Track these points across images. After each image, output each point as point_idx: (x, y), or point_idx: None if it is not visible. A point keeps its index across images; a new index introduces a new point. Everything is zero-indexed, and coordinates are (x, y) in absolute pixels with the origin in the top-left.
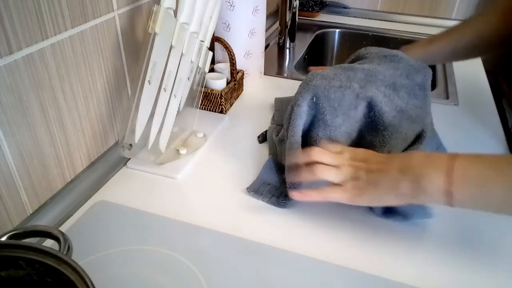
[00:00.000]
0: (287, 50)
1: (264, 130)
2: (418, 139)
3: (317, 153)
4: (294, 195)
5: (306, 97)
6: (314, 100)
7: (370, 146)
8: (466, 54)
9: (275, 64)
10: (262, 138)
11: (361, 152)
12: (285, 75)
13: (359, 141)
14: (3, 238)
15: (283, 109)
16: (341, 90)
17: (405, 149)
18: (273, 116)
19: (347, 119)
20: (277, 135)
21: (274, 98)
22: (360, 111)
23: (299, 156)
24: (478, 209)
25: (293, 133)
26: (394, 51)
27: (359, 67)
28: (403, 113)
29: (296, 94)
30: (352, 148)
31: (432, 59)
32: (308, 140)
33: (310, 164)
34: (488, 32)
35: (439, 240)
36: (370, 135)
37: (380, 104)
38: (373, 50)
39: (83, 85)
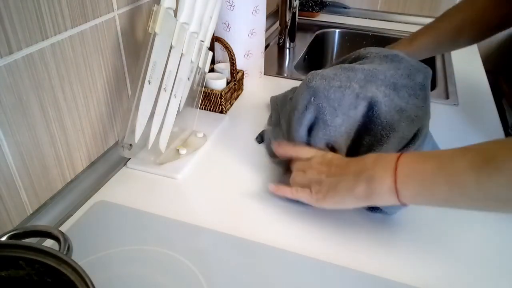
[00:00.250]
0: (287, 50)
1: (262, 130)
2: (413, 138)
3: (292, 162)
4: (270, 187)
5: (307, 98)
6: (314, 100)
7: (368, 146)
8: (450, 46)
9: (275, 64)
10: (261, 138)
11: (328, 156)
12: (285, 75)
13: (358, 141)
14: (3, 238)
15: (279, 107)
16: (341, 90)
17: (402, 149)
18: (270, 116)
19: (347, 119)
20: (275, 137)
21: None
22: (359, 111)
23: (287, 150)
24: (426, 205)
25: (298, 137)
26: (394, 51)
27: (359, 67)
28: (402, 113)
29: (296, 95)
30: (322, 153)
31: (417, 56)
32: (309, 141)
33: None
34: (471, 20)
35: (439, 240)
36: (368, 134)
37: (379, 104)
38: (373, 50)
39: (83, 85)
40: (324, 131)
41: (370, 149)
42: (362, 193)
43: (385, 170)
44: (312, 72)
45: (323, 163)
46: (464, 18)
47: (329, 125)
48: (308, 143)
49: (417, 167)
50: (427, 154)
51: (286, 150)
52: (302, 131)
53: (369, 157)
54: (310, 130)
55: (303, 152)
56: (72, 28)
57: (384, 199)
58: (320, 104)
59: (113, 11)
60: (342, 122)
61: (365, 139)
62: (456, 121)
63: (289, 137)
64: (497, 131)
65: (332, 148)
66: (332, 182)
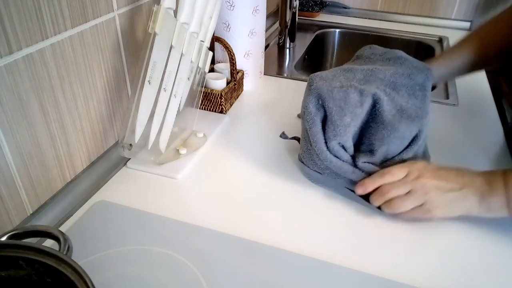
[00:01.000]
0: (287, 50)
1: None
2: (414, 139)
3: (387, 190)
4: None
5: (313, 101)
6: (320, 101)
7: (369, 144)
8: (478, 68)
9: (275, 64)
10: (284, 135)
11: (421, 167)
12: (285, 75)
13: (359, 138)
14: (3, 238)
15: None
16: (343, 90)
17: (403, 150)
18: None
19: (355, 118)
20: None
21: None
22: (365, 109)
23: (369, 186)
24: None
25: (319, 148)
26: (398, 52)
27: (358, 67)
28: (403, 112)
29: (303, 103)
30: (410, 165)
31: (454, 73)
32: (326, 142)
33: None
34: (496, 44)
35: (439, 240)
36: (369, 133)
37: (382, 102)
38: (378, 51)
39: (83, 85)
40: (334, 132)
41: (370, 147)
42: (477, 210)
43: (497, 189)
44: (311, 75)
45: (425, 175)
46: (489, 41)
47: (338, 125)
48: (326, 143)
49: None
50: None
51: (371, 182)
52: (319, 130)
53: (477, 176)
54: (323, 132)
55: (393, 171)
56: (72, 28)
57: (496, 213)
58: (326, 105)
59: (113, 11)
60: (351, 121)
61: (366, 136)
62: (456, 121)
63: (310, 143)
64: (497, 131)
65: (343, 148)
66: (450, 198)
